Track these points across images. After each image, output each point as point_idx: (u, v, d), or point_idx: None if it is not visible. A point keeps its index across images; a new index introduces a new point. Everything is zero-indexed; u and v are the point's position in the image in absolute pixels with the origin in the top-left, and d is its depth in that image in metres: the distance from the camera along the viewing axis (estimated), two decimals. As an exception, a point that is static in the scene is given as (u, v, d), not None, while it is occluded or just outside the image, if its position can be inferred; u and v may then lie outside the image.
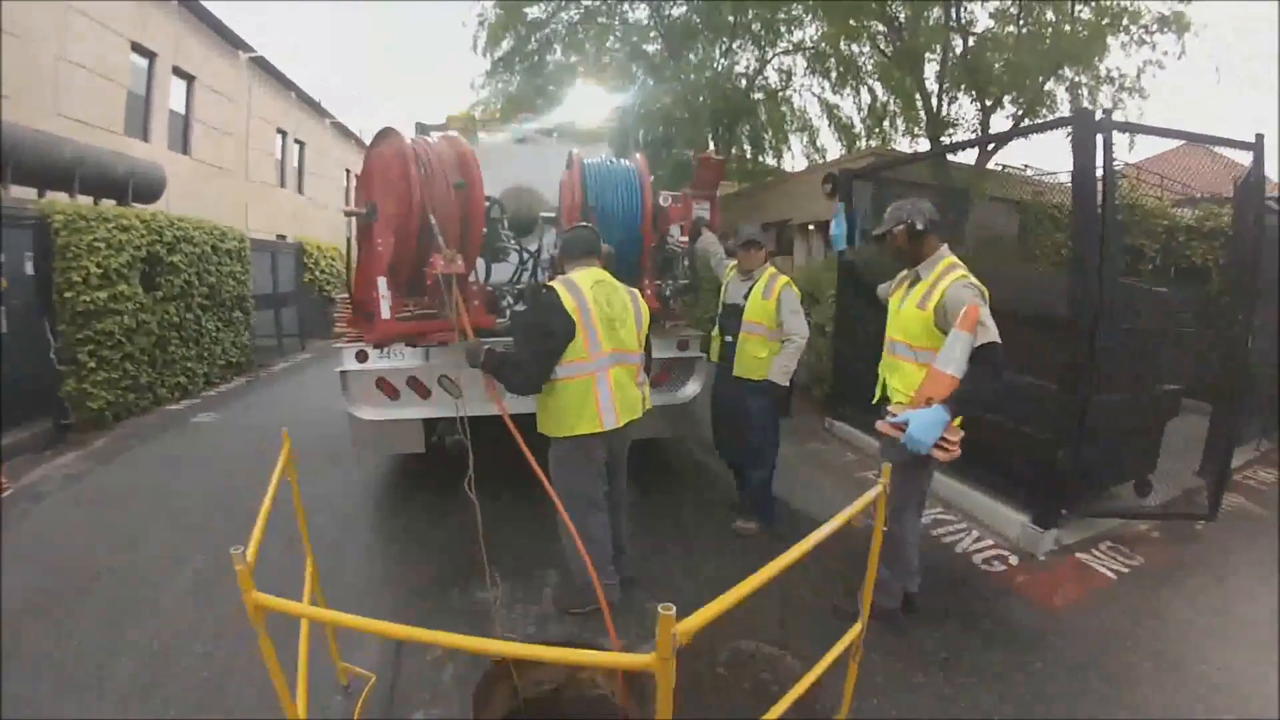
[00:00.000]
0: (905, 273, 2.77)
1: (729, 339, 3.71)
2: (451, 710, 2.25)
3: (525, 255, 3.94)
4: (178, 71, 12.10)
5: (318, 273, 12.48)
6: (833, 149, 13.03)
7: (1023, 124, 8.18)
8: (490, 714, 2.29)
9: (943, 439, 2.19)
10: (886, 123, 11.23)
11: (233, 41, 13.85)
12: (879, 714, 2.33)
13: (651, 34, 12.09)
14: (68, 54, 9.26)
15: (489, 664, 2.40)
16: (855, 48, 9.85)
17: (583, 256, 2.77)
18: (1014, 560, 3.61)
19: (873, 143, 11.53)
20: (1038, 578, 3.43)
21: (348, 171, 22.24)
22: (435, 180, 2.90)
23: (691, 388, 4.16)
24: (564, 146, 4.70)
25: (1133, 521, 4.09)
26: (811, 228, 11.16)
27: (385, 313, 2.82)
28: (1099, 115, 3.61)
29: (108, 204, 7.32)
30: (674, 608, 0.91)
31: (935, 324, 2.44)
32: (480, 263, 3.58)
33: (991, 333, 2.25)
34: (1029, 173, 10.86)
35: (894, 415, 2.31)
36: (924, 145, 9.38)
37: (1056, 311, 3.63)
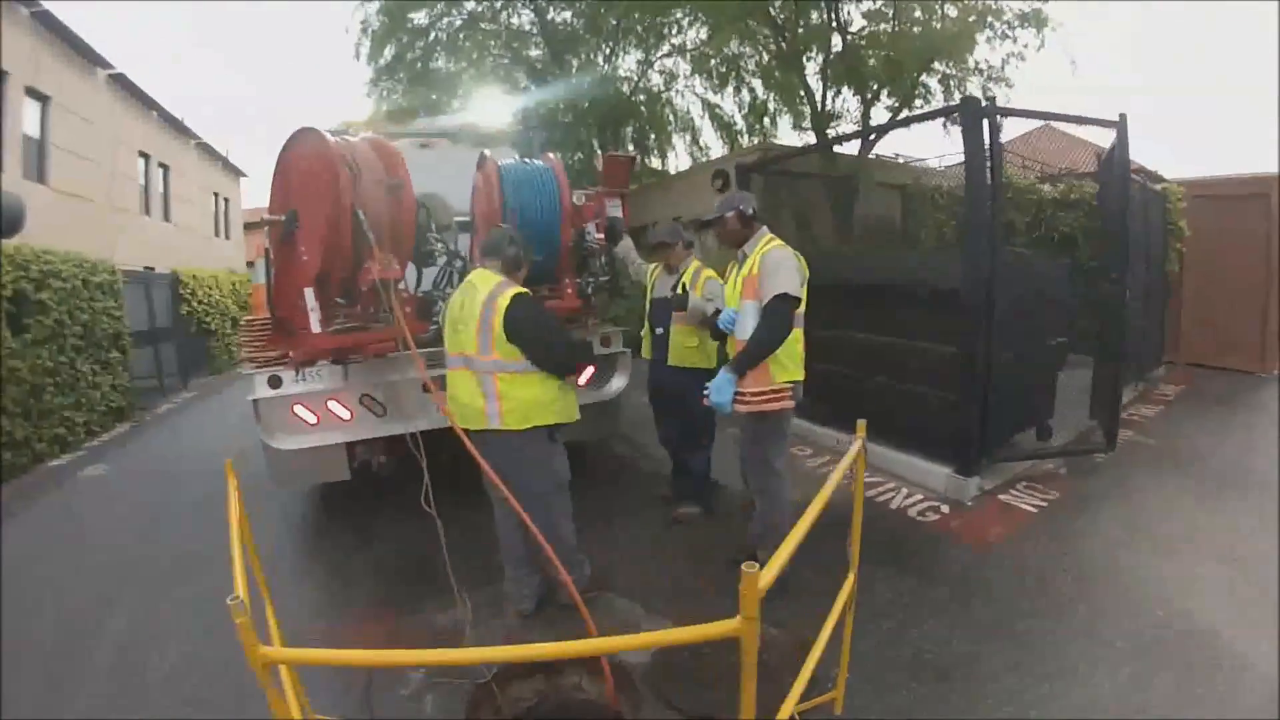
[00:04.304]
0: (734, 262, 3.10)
1: (659, 331, 3.76)
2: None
3: (456, 258, 3.78)
4: (31, 92, 10.79)
5: (195, 304, 11.54)
6: (715, 148, 13.47)
7: (903, 114, 8.76)
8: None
9: (738, 394, 2.55)
10: (767, 120, 11.77)
11: (90, 58, 12.52)
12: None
13: (534, 40, 12.02)
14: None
15: (469, 688, 2.30)
16: (738, 48, 10.24)
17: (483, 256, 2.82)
18: (945, 509, 3.89)
19: (755, 139, 11.94)
20: (969, 521, 3.73)
21: (216, 195, 20.66)
22: (363, 181, 2.73)
23: (616, 383, 4.15)
24: (467, 151, 4.57)
25: (1040, 462, 4.48)
26: (703, 226, 11.40)
27: (315, 326, 2.61)
28: (984, 102, 3.96)
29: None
30: (756, 565, 0.91)
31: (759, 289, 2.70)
32: (410, 267, 3.44)
33: (781, 285, 2.57)
34: (899, 161, 11.66)
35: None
36: (811, 139, 9.86)
37: (953, 283, 3.96)
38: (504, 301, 2.52)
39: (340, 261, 2.69)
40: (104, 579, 3.55)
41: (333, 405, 3.42)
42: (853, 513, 1.90)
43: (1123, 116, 4.30)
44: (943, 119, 7.96)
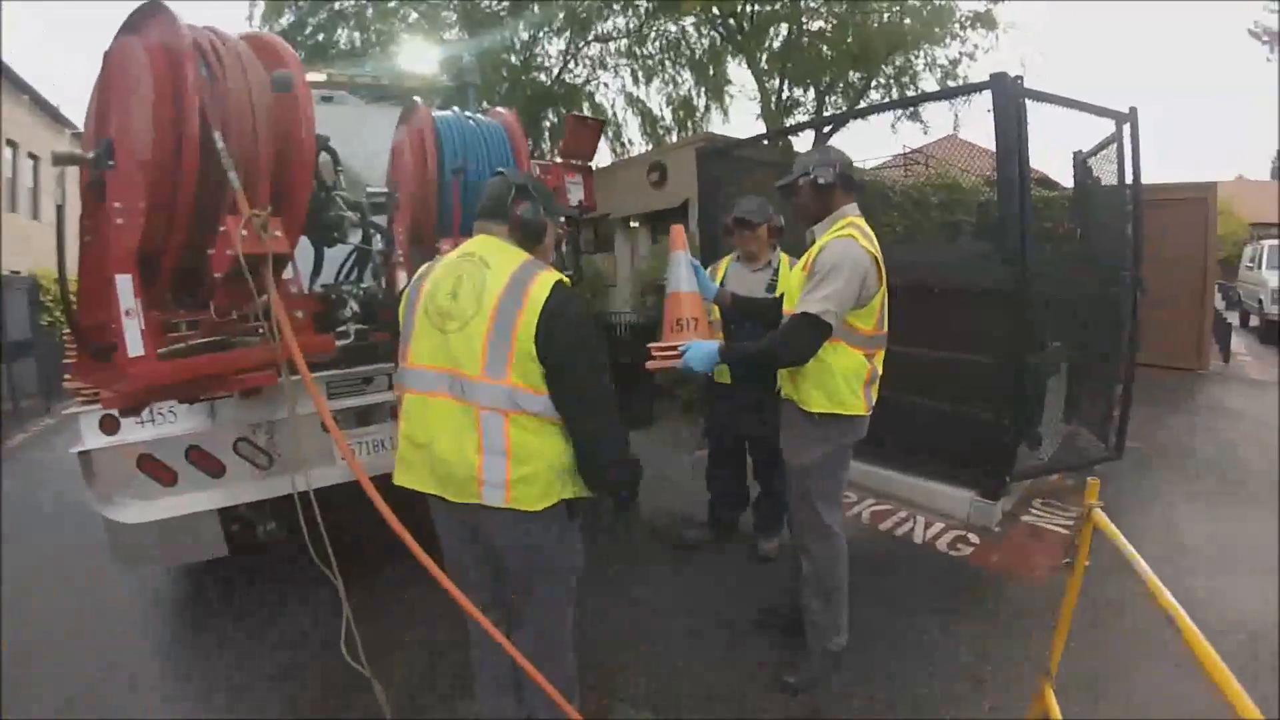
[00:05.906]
0: None
1: None
2: None
3: (376, 234, 2.69)
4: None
5: (59, 313, 9.95)
6: (637, 145, 13.02)
7: (856, 107, 8.47)
8: None
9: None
10: (697, 115, 11.36)
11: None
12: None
13: (450, 19, 11.07)
14: None
15: None
16: (677, 32, 9.74)
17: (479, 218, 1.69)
18: (974, 539, 3.41)
19: (684, 134, 11.58)
20: (1008, 551, 3.26)
21: (94, 191, 18.62)
22: (229, 90, 1.67)
23: None
24: (384, 110, 3.67)
25: (1042, 477, 4.08)
26: (635, 224, 10.61)
27: (136, 345, 1.54)
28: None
29: None
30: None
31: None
32: (303, 244, 2.32)
33: (814, 302, 1.88)
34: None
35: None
36: (742, 133, 9.56)
37: (980, 284, 3.54)
38: (540, 291, 1.48)
39: (182, 226, 1.62)
40: None
41: (195, 457, 2.39)
42: (1061, 613, 1.23)
43: (1133, 110, 4.01)
44: (893, 112, 7.61)
